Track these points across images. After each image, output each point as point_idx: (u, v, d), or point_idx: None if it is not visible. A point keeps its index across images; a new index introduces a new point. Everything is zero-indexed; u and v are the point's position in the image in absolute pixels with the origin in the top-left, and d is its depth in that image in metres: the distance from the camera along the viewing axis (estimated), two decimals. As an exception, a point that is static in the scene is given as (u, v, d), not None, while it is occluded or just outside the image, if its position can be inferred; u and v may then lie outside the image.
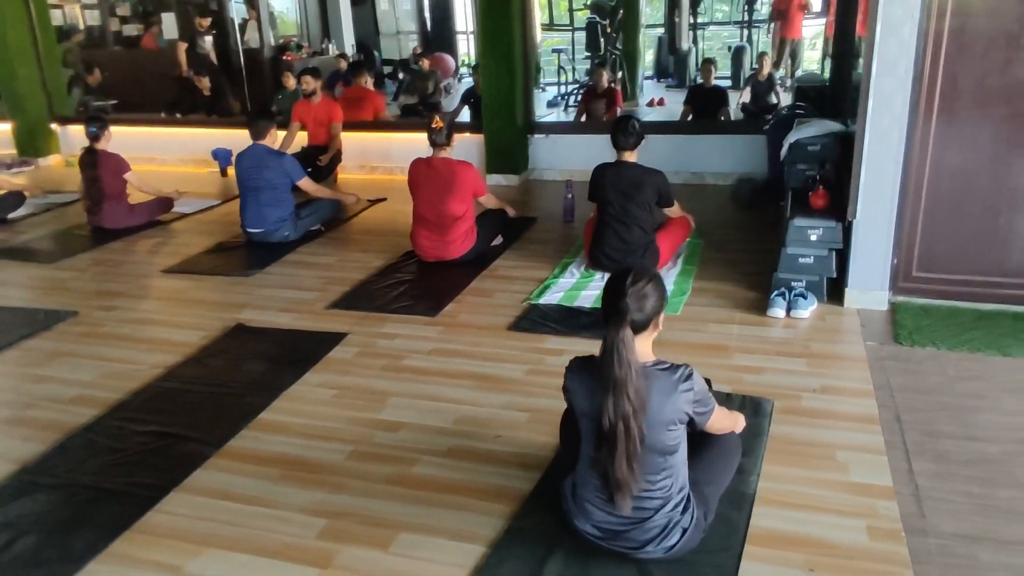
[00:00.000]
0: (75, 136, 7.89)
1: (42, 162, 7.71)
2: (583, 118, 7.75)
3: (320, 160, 6.31)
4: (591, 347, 3.24)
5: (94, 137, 5.26)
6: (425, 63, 10.40)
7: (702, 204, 5.46)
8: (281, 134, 6.44)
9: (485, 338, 3.47)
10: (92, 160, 5.23)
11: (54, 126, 7.83)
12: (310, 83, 6.40)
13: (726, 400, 2.81)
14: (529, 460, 2.53)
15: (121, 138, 7.69)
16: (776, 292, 3.56)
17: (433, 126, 4.21)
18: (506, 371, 3.14)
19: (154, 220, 5.56)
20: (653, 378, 1.95)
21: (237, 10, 11.03)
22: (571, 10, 14.21)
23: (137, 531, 2.26)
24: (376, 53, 13.45)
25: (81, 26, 11.42)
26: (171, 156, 7.57)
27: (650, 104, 10.75)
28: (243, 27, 11.45)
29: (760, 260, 4.15)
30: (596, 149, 5.57)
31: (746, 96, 8.19)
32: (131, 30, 11.34)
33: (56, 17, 11.44)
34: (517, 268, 4.35)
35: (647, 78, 12.86)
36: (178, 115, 8.67)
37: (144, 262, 4.73)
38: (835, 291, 3.63)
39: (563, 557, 2.08)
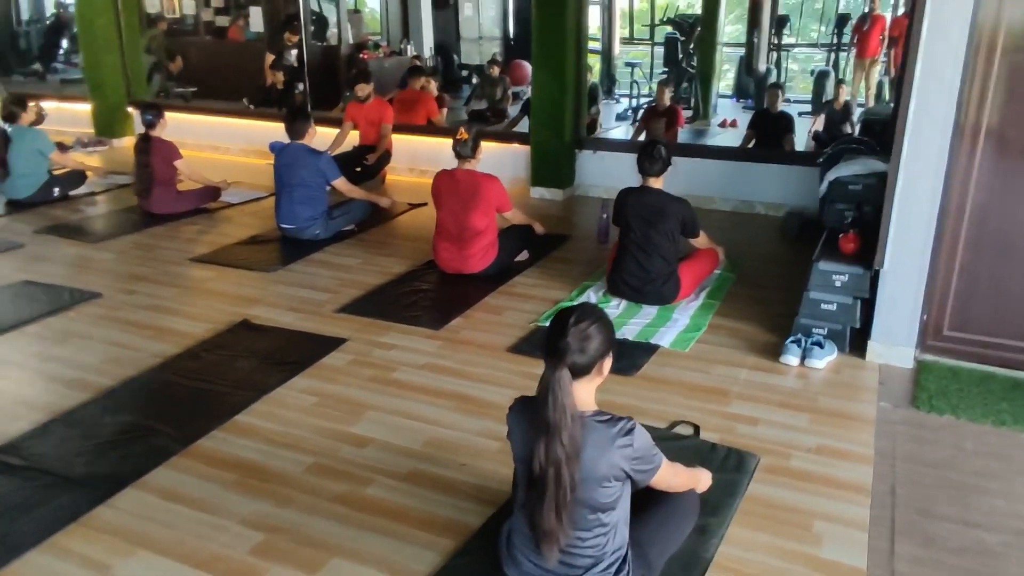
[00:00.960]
0: (150, 121, 8.24)
1: (116, 143, 8.04)
2: (641, 136, 7.57)
3: (367, 159, 6.35)
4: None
5: (149, 124, 5.44)
6: (495, 69, 10.40)
7: (746, 235, 5.23)
8: (331, 132, 6.56)
9: (481, 357, 3.37)
10: (145, 147, 5.40)
11: (130, 109, 8.16)
12: (364, 89, 6.44)
13: (710, 452, 2.64)
14: (487, 494, 2.43)
15: (190, 125, 8.04)
16: (792, 338, 3.34)
17: (458, 137, 4.15)
18: (492, 395, 3.04)
19: (200, 208, 5.70)
20: (589, 429, 1.81)
21: (322, 9, 11.34)
22: (652, 25, 13.99)
23: (82, 524, 2.27)
24: (455, 57, 13.57)
25: (175, 14, 11.98)
26: (234, 146, 7.78)
27: (722, 125, 10.44)
28: (324, 24, 11.76)
29: (791, 301, 3.88)
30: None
31: (819, 124, 7.83)
32: (222, 21, 11.81)
33: (153, 4, 12.05)
34: (536, 287, 4.24)
35: (724, 97, 12.52)
36: (250, 107, 8.95)
37: (178, 249, 4.83)
38: (858, 343, 3.37)
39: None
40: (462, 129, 4.18)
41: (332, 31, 11.44)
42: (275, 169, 4.92)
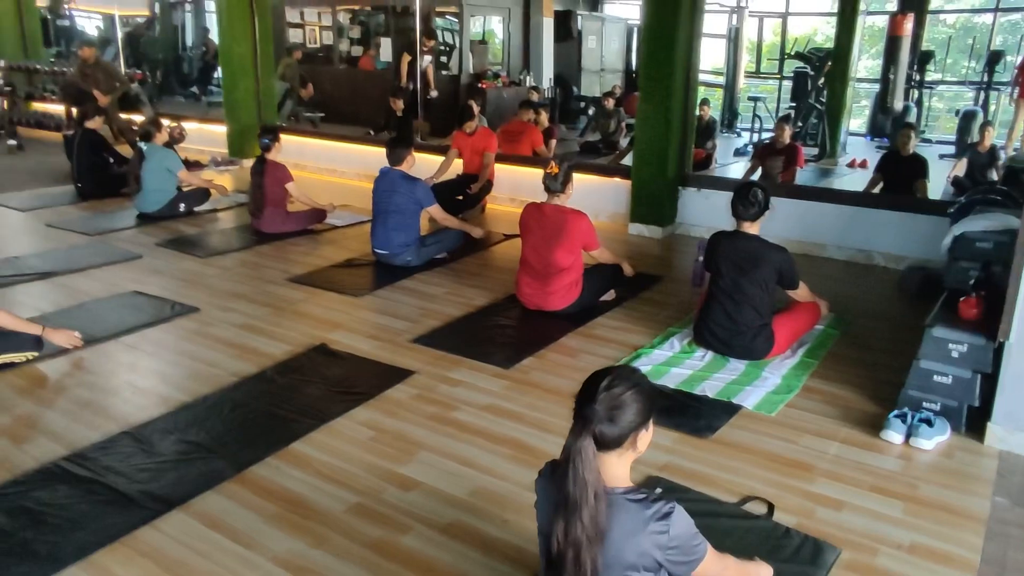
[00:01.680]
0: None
1: (246, 163, 8.49)
2: (756, 174, 7.18)
3: (470, 188, 6.36)
4: (655, 435, 2.89)
5: (265, 148, 5.67)
6: (610, 101, 10.25)
7: (860, 288, 4.80)
8: (433, 160, 6.62)
9: (546, 403, 3.20)
10: (260, 168, 5.63)
11: (260, 132, 8.60)
12: (470, 125, 6.47)
13: (783, 537, 2.34)
14: (525, 558, 2.25)
15: (311, 148, 8.39)
16: (896, 412, 2.95)
17: (548, 171, 4.03)
18: (550, 445, 2.86)
19: (307, 228, 5.88)
20: (619, 508, 1.61)
21: (453, 39, 11.63)
22: (781, 58, 13.43)
23: (125, 543, 2.28)
24: (574, 88, 13.56)
25: (316, 44, 12.65)
26: (350, 169, 8.02)
27: (850, 165, 9.80)
28: (448, 54, 12.05)
29: (902, 368, 3.43)
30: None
31: (960, 169, 7.16)
32: (357, 51, 12.37)
33: (295, 35, 12.79)
34: (618, 330, 4.03)
35: (855, 136, 11.78)
36: (370, 132, 9.25)
37: (279, 268, 4.97)
38: (976, 423, 2.94)
39: None
40: (552, 163, 4.06)
41: (453, 61, 11.72)
42: (373, 194, 4.99)
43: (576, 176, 6.31)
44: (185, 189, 6.35)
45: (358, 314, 4.21)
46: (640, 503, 1.63)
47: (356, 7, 12.42)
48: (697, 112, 9.57)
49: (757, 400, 3.23)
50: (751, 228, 3.54)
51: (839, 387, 3.37)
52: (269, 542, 2.30)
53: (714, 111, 13.12)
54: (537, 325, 4.06)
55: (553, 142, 8.34)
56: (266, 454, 2.77)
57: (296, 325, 4.02)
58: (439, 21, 12.03)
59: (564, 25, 13.27)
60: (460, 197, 6.41)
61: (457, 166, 6.65)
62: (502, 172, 6.61)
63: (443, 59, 11.99)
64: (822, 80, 10.51)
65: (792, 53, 12.03)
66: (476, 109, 7.45)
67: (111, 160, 6.99)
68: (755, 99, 11.75)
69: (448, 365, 3.55)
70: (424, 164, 6.62)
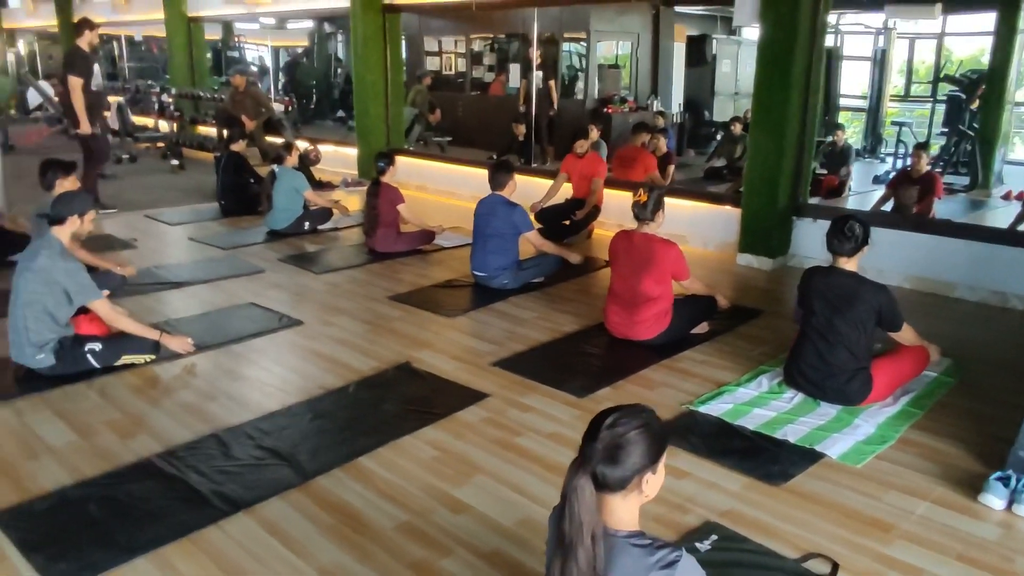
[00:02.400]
0: (403, 165, 9.05)
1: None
2: (888, 204, 6.69)
3: (576, 214, 6.35)
4: (723, 478, 2.77)
5: (380, 171, 5.94)
6: (737, 126, 9.92)
7: (989, 334, 4.37)
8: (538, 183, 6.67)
9: (615, 436, 3.12)
10: (375, 190, 5.91)
11: (387, 155, 9.03)
12: (583, 145, 6.49)
13: (842, 600, 2.15)
14: (561, 593, 2.19)
15: (432, 171, 8.70)
16: (999, 474, 2.64)
17: (637, 199, 3.96)
18: (609, 480, 2.79)
19: (417, 249, 6.09)
20: (621, 552, 1.54)
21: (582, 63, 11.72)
22: (934, 81, 12.47)
23: (191, 540, 2.44)
24: (705, 113, 13.24)
25: (450, 71, 13.17)
26: (467, 192, 8.22)
27: (1005, 197, 8.90)
28: (574, 79, 12.15)
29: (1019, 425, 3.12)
30: (884, 246, 4.77)
31: None
32: (488, 77, 12.75)
33: (432, 63, 13.36)
34: (705, 364, 3.87)
35: (1015, 165, 10.70)
36: (492, 156, 9.47)
37: (383, 286, 5.17)
38: (1098, 494, 2.58)
39: None
40: (641, 190, 3.98)
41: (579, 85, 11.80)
42: (474, 218, 5.10)
43: (684, 203, 6.30)
44: (312, 208, 6.76)
45: (447, 334, 4.31)
46: (644, 548, 1.56)
47: (490, 35, 12.81)
48: (831, 138, 9.15)
49: (843, 449, 2.99)
50: (848, 264, 3.30)
51: (942, 441, 3.07)
52: (319, 553, 2.39)
53: (855, 136, 12.41)
54: (621, 355, 3.98)
55: (671, 168, 8.17)
56: (333, 466, 2.88)
57: (387, 342, 4.17)
58: (568, 46, 12.17)
59: (697, 49, 13.01)
60: (566, 222, 6.42)
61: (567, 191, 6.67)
62: (613, 198, 6.55)
63: (569, 84, 12.11)
64: (975, 104, 9.65)
65: (942, 76, 11.15)
66: (596, 133, 7.46)
67: (252, 180, 7.57)
68: (900, 124, 10.97)
69: (523, 390, 3.55)
70: (538, 188, 6.71)
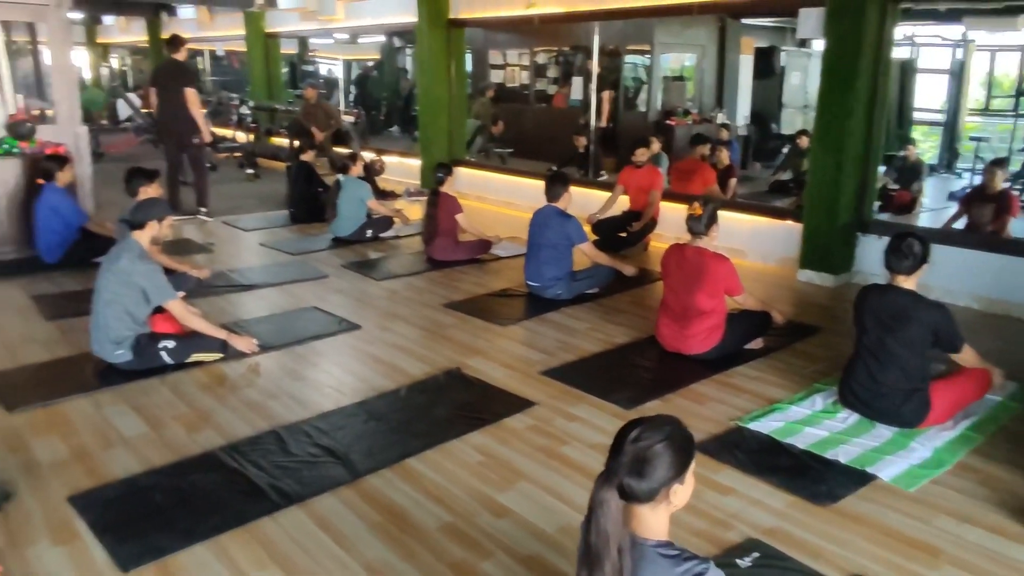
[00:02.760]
0: (465, 176, 9.21)
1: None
2: (959, 223, 6.45)
3: (632, 226, 6.35)
4: (768, 495, 2.75)
5: (439, 181, 6.07)
6: (803, 139, 9.71)
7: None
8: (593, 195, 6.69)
9: (661, 449, 3.13)
10: (434, 200, 6.04)
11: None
12: (643, 154, 6.50)
13: (883, 623, 2.11)
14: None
15: (491, 182, 8.82)
16: (1060, 503, 2.54)
17: (691, 212, 3.95)
18: (651, 492, 2.80)
19: (474, 258, 6.19)
20: (648, 561, 1.57)
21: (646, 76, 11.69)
22: (1017, 95, 11.96)
23: (246, 529, 2.57)
24: (772, 126, 13.01)
25: (515, 83, 13.32)
26: (524, 203, 8.29)
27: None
28: (637, 91, 12.12)
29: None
30: (953, 265, 4.65)
31: None
32: (552, 89, 12.84)
33: (496, 76, 13.55)
34: (756, 380, 3.83)
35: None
36: (552, 168, 9.53)
37: (440, 294, 5.29)
38: None
39: None
40: (696, 204, 3.97)
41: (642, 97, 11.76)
42: (529, 228, 5.16)
43: (744, 218, 6.23)
44: (375, 217, 6.96)
45: (499, 342, 4.37)
46: (671, 559, 1.58)
47: (554, 48, 12.90)
48: (902, 152, 8.87)
49: (896, 472, 2.92)
50: (905, 282, 3.22)
51: (1001, 468, 2.96)
52: (365, 549, 2.48)
53: (931, 151, 11.97)
54: (672, 368, 3.97)
55: (733, 181, 8.08)
56: (383, 466, 2.98)
57: (441, 349, 4.26)
58: (632, 59, 12.15)
59: (765, 62, 12.82)
60: (623, 234, 6.43)
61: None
62: (670, 211, 6.51)
63: (633, 96, 12.08)
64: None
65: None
66: (656, 145, 7.46)
67: (320, 189, 7.83)
68: (978, 139, 10.55)
69: (570, 400, 3.58)
70: (597, 201, 6.74)
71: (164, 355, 3.87)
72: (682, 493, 1.62)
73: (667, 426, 1.63)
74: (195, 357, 3.96)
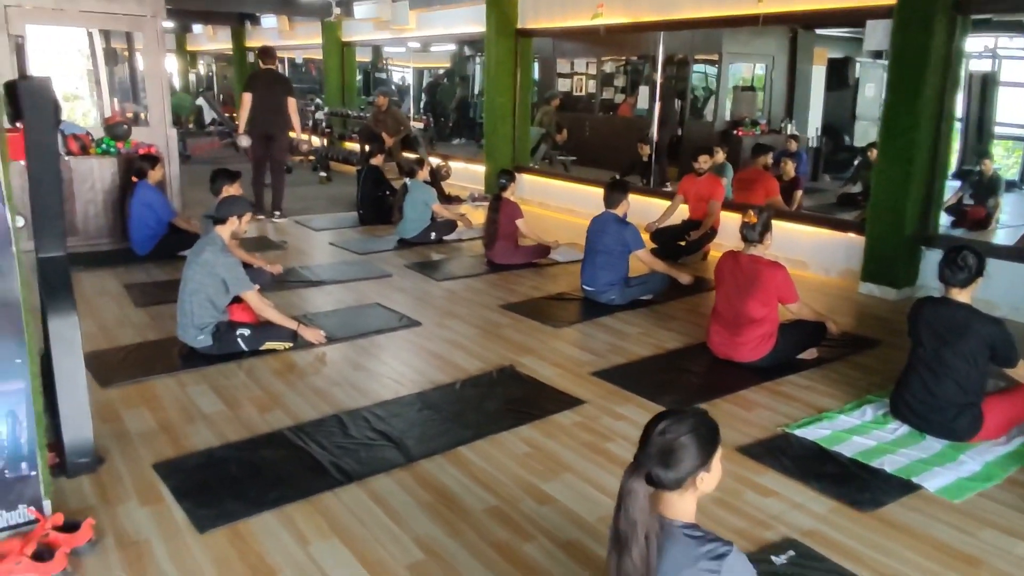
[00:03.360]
0: (527, 183, 9.39)
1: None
2: (1034, 238, 6.26)
3: (690, 235, 6.39)
4: (810, 500, 2.80)
5: (502, 187, 6.25)
6: (873, 152, 9.51)
7: None
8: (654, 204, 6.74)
9: (705, 449, 3.20)
10: (496, 205, 6.22)
11: (515, 174, 9.39)
12: (706, 161, 6.53)
13: (914, 625, 2.15)
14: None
15: (555, 189, 8.96)
16: (1110, 520, 2.51)
17: (746, 220, 4.00)
18: (692, 489, 2.88)
19: (533, 262, 6.34)
20: (674, 540, 1.67)
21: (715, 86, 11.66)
22: (1109, 107, 11.39)
23: (310, 501, 2.77)
24: (845, 138, 12.75)
25: (582, 93, 13.45)
26: (586, 210, 8.37)
27: None
28: (705, 101, 12.08)
29: None
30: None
31: None
32: (619, 99, 12.92)
33: (564, 85, 13.70)
34: (809, 389, 3.85)
35: None
36: (614, 176, 9.62)
37: (497, 295, 5.45)
38: None
39: None
40: (751, 211, 4.02)
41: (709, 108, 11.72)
42: (586, 234, 5.28)
43: (806, 229, 6.19)
44: (438, 220, 7.19)
45: (552, 343, 4.50)
46: (696, 540, 1.68)
47: (621, 57, 12.98)
48: (979, 167, 8.60)
49: (943, 484, 2.92)
50: (960, 295, 3.21)
51: (1054, 485, 2.92)
52: (415, 524, 2.65)
53: (1015, 167, 11.52)
54: (722, 374, 4.02)
55: (799, 193, 7.98)
56: (435, 452, 3.14)
57: (495, 347, 4.42)
58: (699, 68, 12.13)
59: (839, 73, 12.59)
60: (682, 243, 6.47)
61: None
62: (731, 220, 6.51)
63: (701, 106, 12.04)
64: None
65: None
66: (721, 155, 7.48)
67: (388, 192, 8.13)
68: (1062, 155, 10.11)
69: (618, 400, 3.68)
70: (659, 209, 6.82)
71: (240, 342, 4.15)
72: (709, 480, 1.72)
73: (692, 418, 1.73)
74: (268, 345, 4.22)
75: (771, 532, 2.63)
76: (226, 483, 2.86)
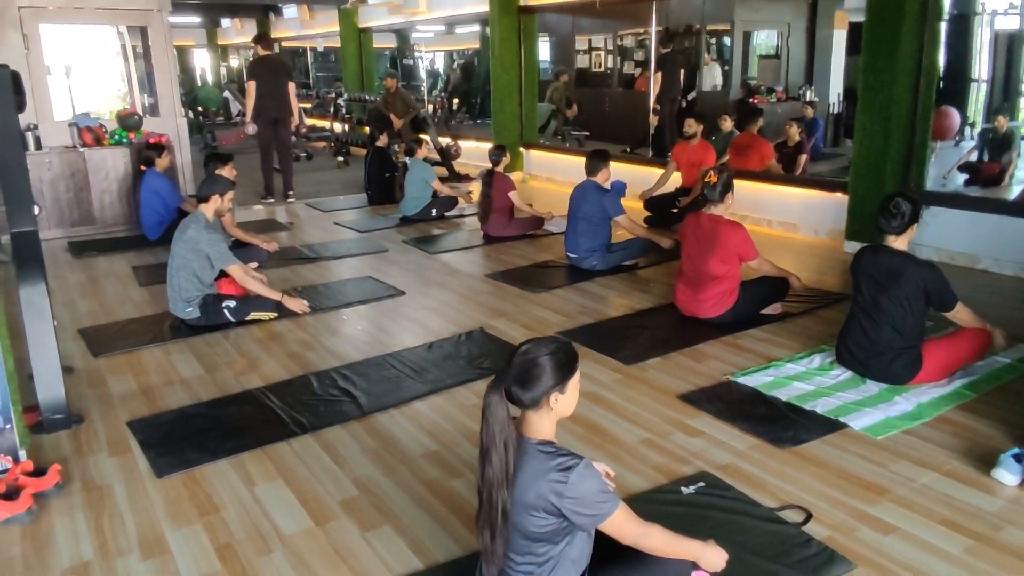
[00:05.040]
0: (535, 158, 9.52)
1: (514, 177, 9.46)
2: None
3: (680, 201, 6.45)
4: (734, 439, 2.93)
5: (494, 162, 6.42)
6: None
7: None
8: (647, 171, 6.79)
9: (645, 398, 3.35)
10: (489, 180, 6.39)
11: (521, 149, 9.53)
12: (692, 126, 6.58)
13: (800, 545, 2.28)
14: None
15: (559, 163, 9.07)
16: (1016, 451, 2.58)
17: (707, 180, 4.09)
18: (623, 432, 3.04)
19: (527, 233, 6.50)
20: (530, 456, 1.84)
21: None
22: None
23: (264, 451, 3.00)
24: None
25: (601, 68, 13.45)
26: (590, 183, 8.51)
27: None
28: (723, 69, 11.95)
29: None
30: (1015, 236, 4.59)
31: None
32: (637, 73, 12.89)
33: (583, 61, 13.71)
34: (763, 342, 3.95)
35: None
36: (626, 150, 9.69)
37: (484, 265, 5.64)
38: None
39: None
40: (712, 172, 4.11)
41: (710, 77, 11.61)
42: (569, 202, 5.41)
43: (795, 191, 6.20)
44: (438, 196, 7.38)
45: (526, 307, 4.67)
46: (547, 455, 1.84)
47: (640, 30, 12.94)
48: (991, 124, 8.39)
49: (869, 422, 3.01)
50: (896, 242, 3.27)
51: (983, 423, 2.99)
52: (356, 466, 2.87)
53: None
54: (683, 330, 4.14)
55: (803, 158, 7.91)
56: (390, 405, 3.36)
57: (471, 312, 4.61)
58: (715, 39, 12.02)
59: (861, 37, 12.33)
60: (674, 210, 6.54)
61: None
62: (723, 186, 6.56)
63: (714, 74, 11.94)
64: None
65: None
66: (728, 123, 7.49)
67: (395, 173, 8.36)
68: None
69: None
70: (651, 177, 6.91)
71: (227, 313, 4.42)
72: (563, 401, 1.88)
73: (553, 344, 1.88)
74: (253, 315, 4.48)
75: (688, 467, 2.77)
76: (189, 436, 3.12)
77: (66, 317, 4.65)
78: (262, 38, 8.29)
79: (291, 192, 8.38)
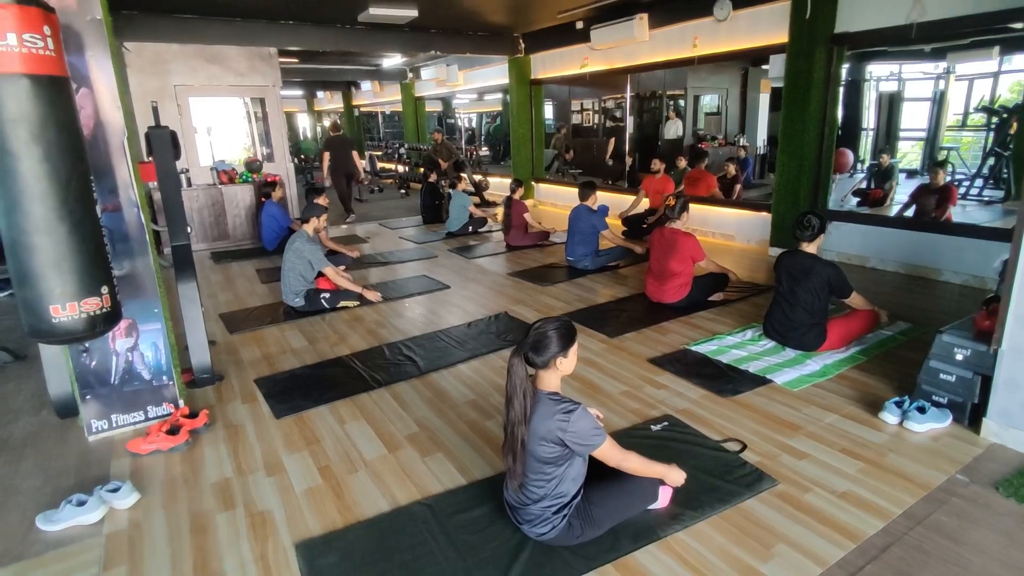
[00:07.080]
0: (543, 189, 9.47)
1: (527, 202, 9.42)
2: (909, 211, 6.02)
3: (647, 220, 6.39)
4: (689, 390, 2.91)
5: (512, 191, 6.39)
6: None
7: (960, 306, 3.92)
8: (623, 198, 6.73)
9: (625, 361, 3.33)
10: (509, 204, 6.37)
11: (533, 182, 9.49)
12: (656, 164, 6.52)
13: (736, 467, 2.27)
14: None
15: (561, 193, 9.01)
16: (896, 399, 2.54)
17: (668, 204, 4.06)
18: (608, 385, 3.03)
19: (537, 244, 6.47)
20: (541, 403, 1.85)
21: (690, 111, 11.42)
22: (988, 113, 10.67)
23: (351, 400, 3.03)
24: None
25: (588, 123, 13.35)
26: (582, 207, 8.45)
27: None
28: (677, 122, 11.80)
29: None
30: (893, 242, 4.49)
31: None
32: (616, 127, 12.78)
33: (576, 118, 13.58)
34: (710, 320, 3.91)
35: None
36: (608, 182, 9.62)
37: (507, 267, 5.62)
38: (977, 418, 2.40)
39: (494, 509, 2.12)
40: (671, 198, 4.08)
41: (671, 128, 11.48)
42: (568, 220, 5.39)
43: (733, 212, 6.12)
44: (474, 217, 7.38)
45: (538, 297, 4.66)
46: (554, 402, 1.85)
47: (619, 95, 12.82)
48: (877, 160, 8.23)
49: (789, 379, 2.98)
50: (808, 247, 3.23)
51: (872, 378, 2.94)
52: (417, 409, 2.89)
53: (916, 160, 10.93)
54: (651, 312, 4.11)
55: (738, 187, 7.80)
56: (441, 367, 3.37)
57: (498, 300, 4.61)
58: (673, 101, 11.88)
59: (778, 97, 12.14)
60: (644, 225, 6.48)
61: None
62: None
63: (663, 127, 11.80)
64: (1012, 129, 8.25)
65: (979, 107, 9.60)
66: (683, 162, 7.42)
67: (441, 201, 8.35)
68: (948, 149, 9.59)
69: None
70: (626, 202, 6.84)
71: (323, 302, 4.46)
72: (566, 363, 1.88)
73: (558, 322, 1.89)
74: (342, 303, 4.52)
75: (655, 411, 2.76)
76: (298, 388, 3.16)
77: (210, 305, 4.72)
78: (335, 126, 8.48)
79: (352, 214, 8.49)
